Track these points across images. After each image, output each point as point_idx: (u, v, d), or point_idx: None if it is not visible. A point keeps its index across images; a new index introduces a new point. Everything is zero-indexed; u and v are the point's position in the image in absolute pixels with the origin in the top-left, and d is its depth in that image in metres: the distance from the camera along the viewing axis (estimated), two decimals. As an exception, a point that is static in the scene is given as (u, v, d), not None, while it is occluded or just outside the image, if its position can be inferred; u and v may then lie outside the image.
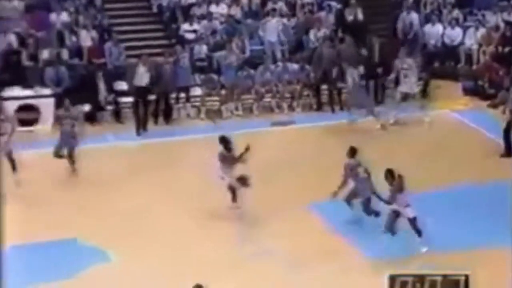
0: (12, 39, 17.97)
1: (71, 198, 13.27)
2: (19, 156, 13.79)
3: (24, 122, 16.36)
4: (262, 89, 18.28)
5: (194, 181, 13.74)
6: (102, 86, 17.58)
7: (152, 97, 17.13)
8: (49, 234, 12.01)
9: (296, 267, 11.03)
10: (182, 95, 17.78)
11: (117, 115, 17.58)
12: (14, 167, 13.57)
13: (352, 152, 12.36)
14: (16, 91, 17.27)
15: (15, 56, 17.76)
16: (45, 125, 16.81)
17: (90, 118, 17.19)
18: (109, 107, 17.60)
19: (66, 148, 14.33)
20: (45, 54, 17.84)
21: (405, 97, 17.40)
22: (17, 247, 11.28)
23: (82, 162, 14.35)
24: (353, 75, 17.34)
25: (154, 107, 17.27)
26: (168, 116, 17.53)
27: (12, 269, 10.54)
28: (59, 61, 17.71)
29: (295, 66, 18.66)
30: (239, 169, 12.61)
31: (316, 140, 16.14)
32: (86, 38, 18.39)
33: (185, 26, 19.28)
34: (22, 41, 18.03)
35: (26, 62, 17.80)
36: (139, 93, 16.90)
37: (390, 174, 11.36)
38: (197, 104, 17.93)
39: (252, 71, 18.43)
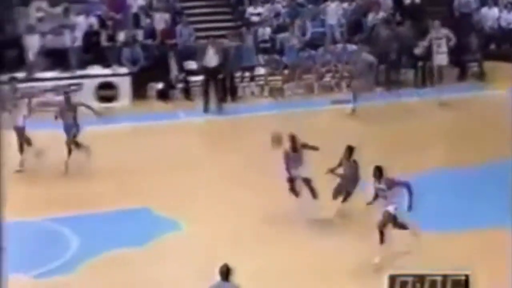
0: (93, 21, 19.19)
1: (144, 170, 14.03)
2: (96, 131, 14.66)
3: (103, 99, 17.75)
4: (322, 69, 19.26)
5: (257, 155, 14.25)
6: (173, 65, 18.74)
7: (220, 76, 18.19)
8: (123, 203, 12.67)
9: (355, 243, 11.23)
10: (247, 74, 18.92)
11: (187, 93, 18.67)
12: (29, 143, 13.98)
13: (350, 151, 11.92)
14: (96, 69, 18.59)
15: (95, 37, 19.00)
16: (123, 101, 18.03)
17: (163, 95, 18.50)
18: (180, 85, 18.71)
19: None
20: (122, 35, 19.02)
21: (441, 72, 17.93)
22: (92, 215, 12.31)
23: (156, 137, 15.39)
24: (368, 59, 17.64)
25: (221, 85, 18.32)
26: (233, 94, 18.67)
27: (89, 236, 11.68)
28: (135, 42, 18.85)
29: (354, 47, 19.49)
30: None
31: (372, 118, 16.69)
32: (160, 21, 19.50)
33: (250, 9, 20.37)
34: (102, 23, 19.23)
35: (105, 42, 19.05)
36: (209, 73, 17.98)
37: (378, 171, 10.63)
38: (261, 83, 19.07)
39: (313, 52, 19.48)
